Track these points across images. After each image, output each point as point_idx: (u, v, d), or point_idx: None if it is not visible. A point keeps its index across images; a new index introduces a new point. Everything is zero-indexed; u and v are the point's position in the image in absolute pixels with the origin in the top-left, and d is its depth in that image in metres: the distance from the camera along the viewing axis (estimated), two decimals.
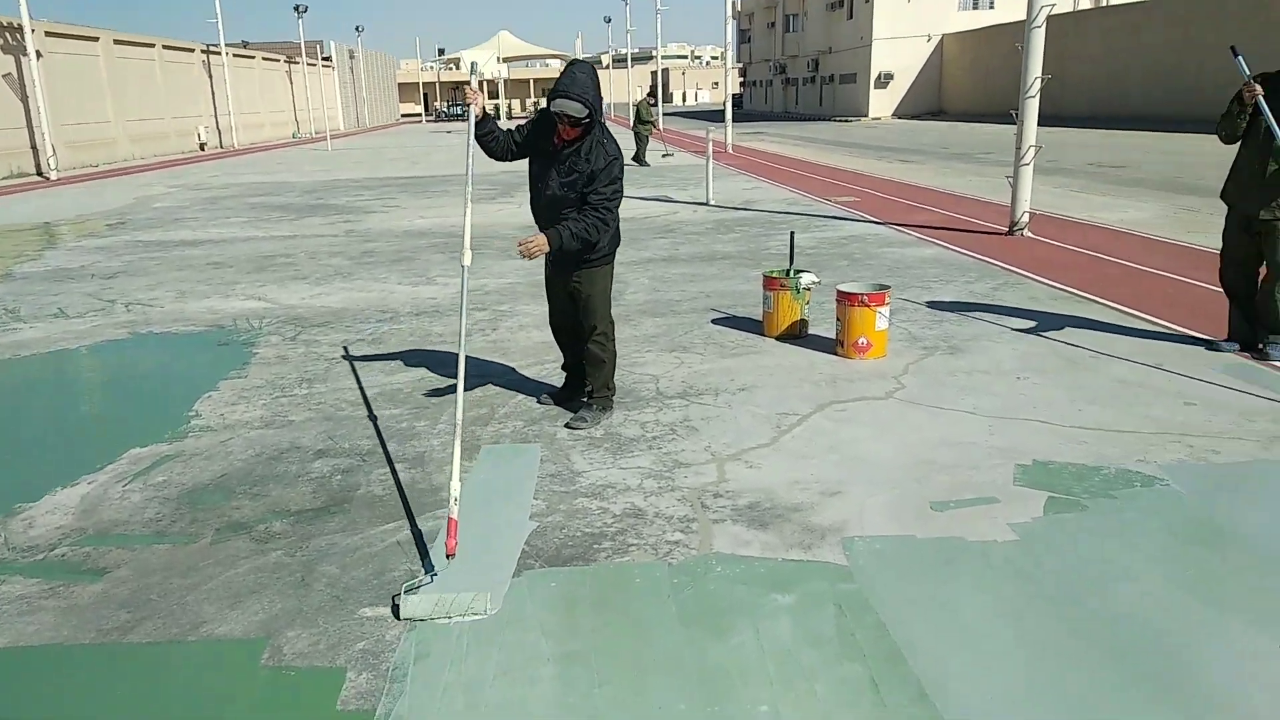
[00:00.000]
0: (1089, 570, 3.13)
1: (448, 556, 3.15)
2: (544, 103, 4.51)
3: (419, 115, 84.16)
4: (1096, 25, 37.62)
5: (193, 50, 37.86)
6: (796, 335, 6.15)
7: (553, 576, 3.20)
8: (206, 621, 3.00)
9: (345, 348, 6.30)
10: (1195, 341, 5.76)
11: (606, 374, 4.70)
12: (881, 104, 49.49)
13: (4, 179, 23.89)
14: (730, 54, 28.69)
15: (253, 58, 45.63)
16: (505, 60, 75.25)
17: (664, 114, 22.91)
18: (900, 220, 11.53)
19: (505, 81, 77.81)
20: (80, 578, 3.29)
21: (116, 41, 31.12)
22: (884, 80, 49.22)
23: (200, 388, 5.50)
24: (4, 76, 24.34)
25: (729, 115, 25.52)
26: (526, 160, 4.52)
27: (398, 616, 2.97)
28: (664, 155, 23.07)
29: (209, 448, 4.53)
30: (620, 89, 60.14)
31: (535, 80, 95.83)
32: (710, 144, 14.43)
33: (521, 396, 5.12)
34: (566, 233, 4.24)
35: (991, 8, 47.60)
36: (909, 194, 14.45)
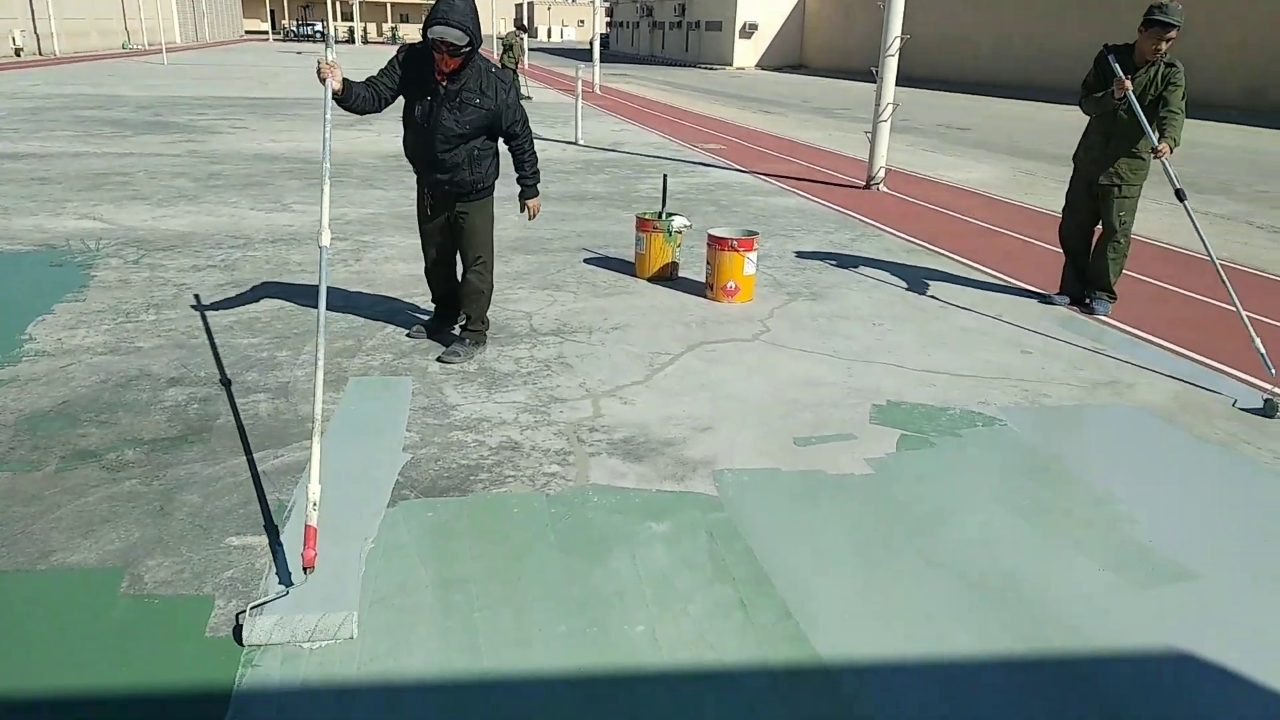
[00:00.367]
0: (936, 501, 3.38)
1: (305, 570, 2.63)
2: (402, 29, 4.31)
3: (265, 33, 78.96)
4: None
5: None
6: (667, 277, 6.25)
7: (429, 506, 3.20)
8: (56, 550, 2.84)
9: (195, 274, 5.96)
10: (1030, 295, 6.22)
11: (483, 305, 4.67)
12: (746, 54, 50.00)
13: None
14: None
15: None
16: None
17: (529, 50, 22.24)
18: (765, 170, 11.79)
19: (361, 4, 73.84)
20: None
21: None
22: (749, 30, 49.66)
23: (32, 311, 5.10)
24: None
25: (596, 55, 25.20)
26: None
27: (240, 641, 2.45)
28: (524, 96, 22.25)
29: (47, 373, 4.22)
30: (483, 19, 58.30)
31: (393, 4, 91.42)
32: (580, 83, 14.25)
33: (390, 329, 5.01)
34: (533, 177, 4.64)
35: None
36: (772, 144, 14.77)
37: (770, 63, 49.98)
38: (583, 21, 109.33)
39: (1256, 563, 3.06)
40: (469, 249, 4.57)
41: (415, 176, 4.54)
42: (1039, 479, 3.61)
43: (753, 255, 5.77)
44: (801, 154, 13.73)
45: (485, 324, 4.73)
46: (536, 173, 4.63)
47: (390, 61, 4.27)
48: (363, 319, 5.17)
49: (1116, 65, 5.31)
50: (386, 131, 12.99)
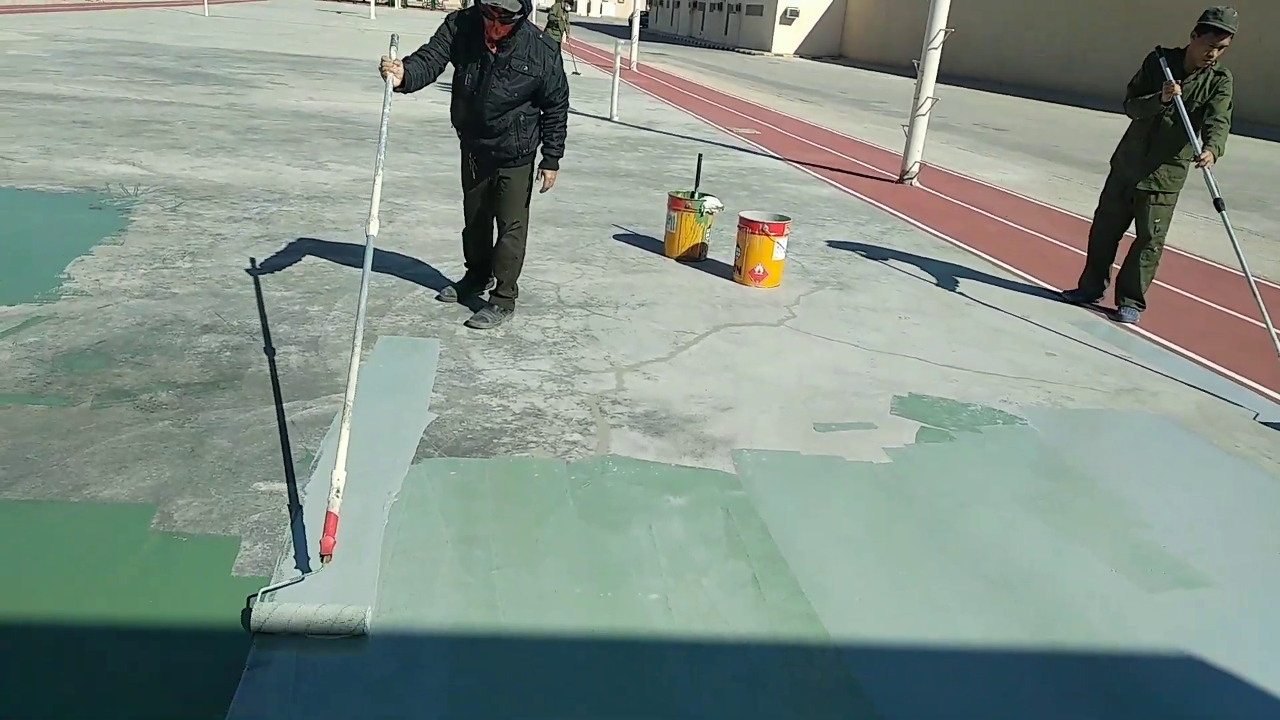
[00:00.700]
0: (953, 494, 3.40)
1: (322, 558, 2.58)
2: None
3: None
4: None
5: None
6: (696, 258, 6.26)
7: (452, 465, 3.25)
8: (90, 484, 2.91)
9: (231, 224, 6.03)
10: (1051, 295, 6.22)
11: (515, 271, 4.72)
12: (785, 40, 49.53)
13: None
14: None
15: None
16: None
17: (570, 23, 22.09)
18: (798, 158, 11.74)
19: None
20: None
21: None
22: (790, 16, 49.18)
23: (72, 251, 5.18)
24: None
25: (635, 33, 25.09)
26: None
27: (247, 628, 2.34)
28: (573, 73, 22.05)
29: (85, 312, 4.31)
30: None
31: None
32: (618, 60, 14.21)
33: (421, 290, 5.06)
34: (559, 150, 4.55)
35: None
36: (808, 133, 14.69)
37: (809, 51, 49.53)
38: None
39: (1270, 573, 3.07)
40: (506, 213, 4.61)
41: (459, 141, 4.57)
42: (1057, 479, 3.63)
43: (783, 241, 5.78)
44: (836, 144, 13.65)
45: (515, 291, 4.78)
46: (562, 146, 4.59)
47: (440, 29, 4.28)
48: (394, 279, 5.23)
49: (1167, 69, 5.26)
50: (423, 96, 12.96)
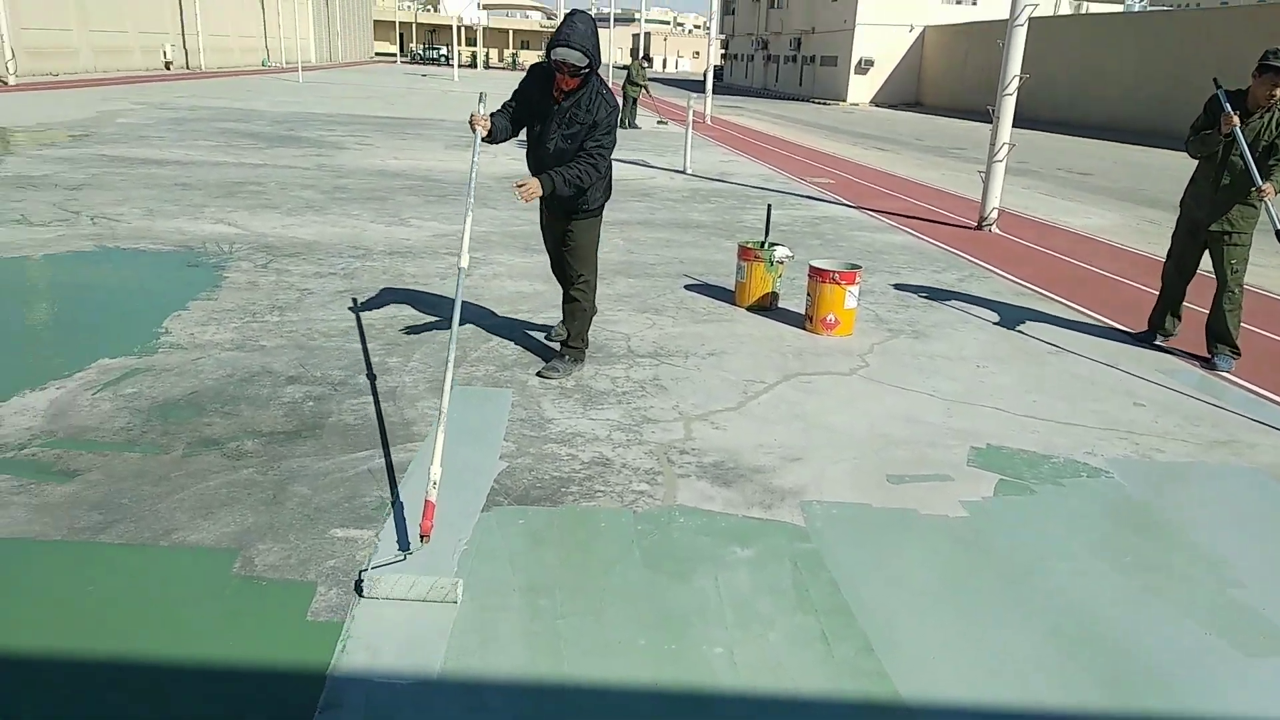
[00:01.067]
0: (1032, 549, 3.29)
1: (421, 538, 2.91)
2: (522, 55, 4.60)
3: (394, 55, 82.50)
4: (1075, 32, 38.03)
5: None
6: (766, 307, 6.27)
7: (521, 514, 3.29)
8: (178, 529, 3.04)
9: (317, 279, 6.28)
10: (1127, 338, 6.07)
11: (583, 324, 4.79)
12: (861, 90, 49.61)
13: None
14: (714, 24, 28.55)
15: None
16: (485, 7, 73.96)
17: (648, 79, 22.56)
18: (873, 206, 11.69)
19: (484, 29, 76.43)
20: (50, 478, 3.30)
21: None
22: (864, 66, 49.30)
23: (170, 306, 5.46)
24: None
25: (709, 86, 25.46)
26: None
27: (360, 593, 2.75)
28: (658, 123, 22.36)
29: (180, 364, 4.52)
30: (601, 49, 59.38)
31: (515, 31, 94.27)
32: (690, 113, 14.43)
33: (495, 341, 5.17)
34: (559, 178, 4.30)
35: (974, 4, 47.82)
36: (883, 181, 14.62)
37: (885, 99, 49.47)
38: (698, 53, 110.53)
39: None
40: (573, 264, 4.71)
41: None
42: (1144, 534, 3.48)
43: (854, 289, 5.75)
44: (912, 191, 13.55)
45: (584, 343, 4.84)
46: (566, 183, 4.31)
47: (520, 84, 4.49)
48: (470, 330, 5.36)
49: (1226, 104, 5.19)
50: (502, 154, 13.39)
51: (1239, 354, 5.59)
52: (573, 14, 4.30)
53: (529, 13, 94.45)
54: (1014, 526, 3.44)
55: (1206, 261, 5.70)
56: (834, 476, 3.77)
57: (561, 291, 5.04)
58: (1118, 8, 53.99)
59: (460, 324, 5.41)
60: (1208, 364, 5.61)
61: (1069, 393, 4.99)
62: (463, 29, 65.40)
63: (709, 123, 24.25)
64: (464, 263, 3.92)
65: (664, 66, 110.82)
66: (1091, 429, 4.48)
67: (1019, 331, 6.14)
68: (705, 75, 25.28)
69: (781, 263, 6.27)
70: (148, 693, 2.30)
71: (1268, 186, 5.10)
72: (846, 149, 20.76)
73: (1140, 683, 2.58)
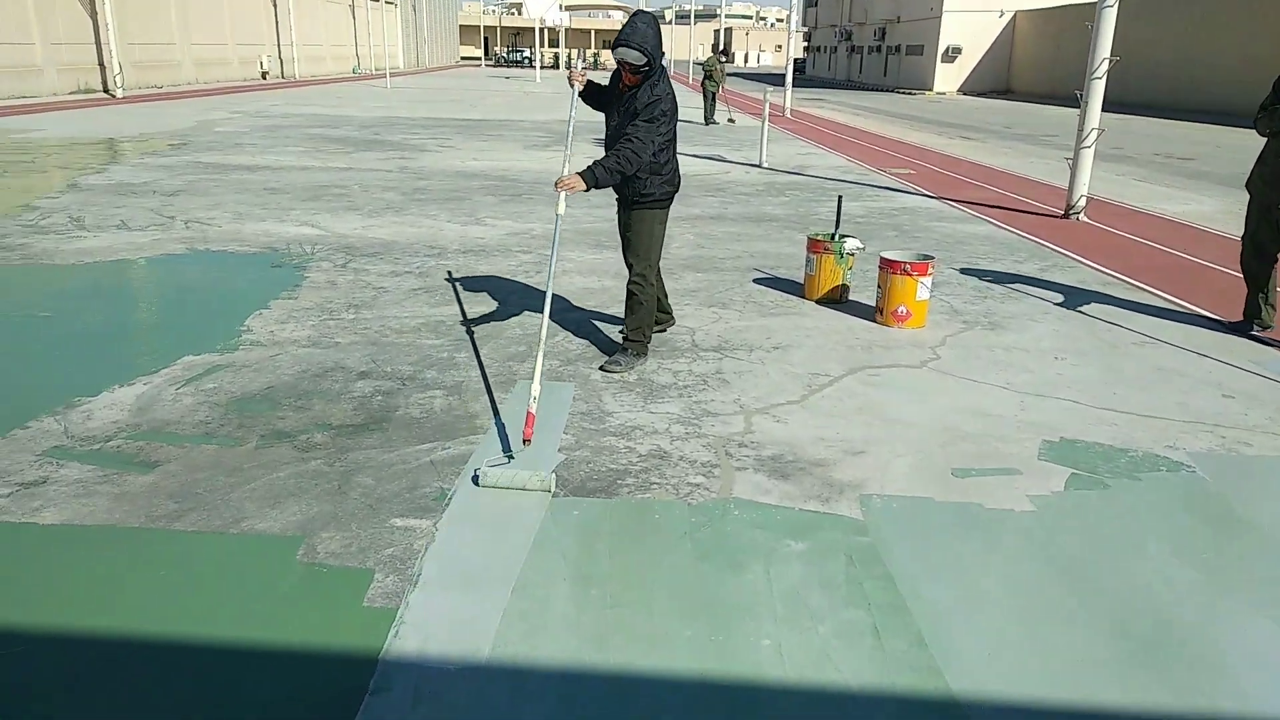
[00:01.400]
0: (1103, 546, 3.17)
1: (525, 442, 3.71)
2: (604, 55, 4.85)
3: (478, 59, 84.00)
4: (1173, 12, 36.29)
5: None
6: (837, 300, 6.17)
7: (576, 505, 3.32)
8: (248, 517, 3.16)
9: (393, 278, 6.45)
10: (1218, 325, 5.78)
11: (641, 318, 4.78)
12: (948, 78, 48.37)
13: (72, 94, 24.38)
14: (795, 17, 28.22)
15: None
16: (568, 8, 74.66)
17: (726, 74, 22.29)
18: (954, 196, 11.39)
19: (566, 30, 77.14)
20: (132, 468, 3.48)
21: None
22: (952, 54, 48.03)
23: (253, 305, 5.68)
24: None
25: (789, 79, 25.20)
26: None
27: (477, 484, 3.42)
28: (728, 120, 22.11)
29: (258, 361, 4.70)
30: (682, 46, 59.32)
31: (596, 31, 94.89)
32: (767, 106, 14.29)
33: (561, 336, 5.23)
34: (599, 169, 4.36)
35: None
36: (967, 170, 14.23)
37: (974, 88, 48.12)
38: (779, 46, 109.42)
39: None
40: (632, 254, 4.76)
41: None
42: (1226, 532, 3.31)
43: (927, 280, 5.61)
44: (997, 180, 13.15)
45: (645, 337, 4.83)
46: (607, 171, 4.35)
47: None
48: (535, 327, 5.42)
49: None
50: (579, 153, 13.50)
51: None
52: (635, 14, 4.47)
53: (610, 13, 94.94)
54: (1083, 522, 3.32)
55: None
56: (896, 470, 3.70)
57: None
58: None
59: (527, 319, 5.53)
60: None
61: (1153, 384, 4.78)
62: (545, 31, 66.15)
63: (789, 116, 23.99)
64: (561, 209, 4.45)
65: (745, 61, 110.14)
66: (1174, 421, 4.29)
67: (1103, 322, 5.91)
68: (786, 68, 24.99)
69: (852, 255, 6.16)
70: (208, 673, 2.41)
71: None
72: (930, 139, 20.27)
73: (1212, 687, 2.46)
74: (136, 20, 27.59)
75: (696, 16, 58.02)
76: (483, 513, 3.25)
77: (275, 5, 38.95)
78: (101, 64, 25.64)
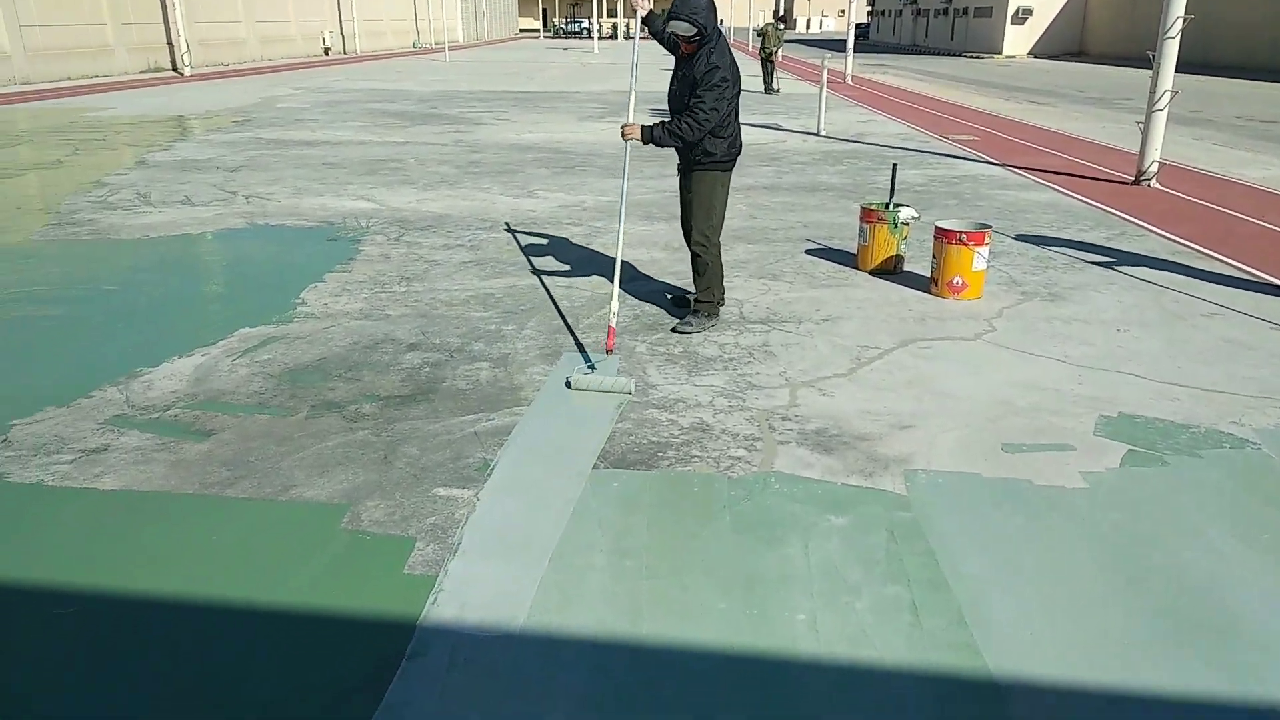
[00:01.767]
0: (1156, 524, 3.07)
1: (607, 352, 4.41)
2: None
3: (537, 30, 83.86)
4: None
5: None
6: (891, 271, 6.05)
7: (616, 477, 3.33)
8: (297, 485, 3.24)
9: (445, 251, 6.51)
10: None
11: (710, 279, 4.86)
12: (1018, 41, 46.81)
13: (142, 73, 25.03)
14: None
15: None
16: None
17: (783, 40, 21.86)
18: (1019, 163, 11.06)
19: (625, 1, 76.49)
20: (189, 437, 3.59)
21: None
22: (1022, 16, 46.44)
23: (308, 278, 5.79)
24: None
25: (850, 45, 24.67)
26: None
27: (569, 387, 4.06)
28: (774, 89, 21.49)
29: (311, 333, 4.80)
30: (741, 13, 58.42)
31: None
32: (825, 73, 14.01)
33: (605, 310, 5.21)
34: (659, 129, 4.54)
35: None
36: (1033, 136, 13.80)
37: (1045, 50, 46.52)
38: (842, 11, 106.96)
39: None
40: (694, 218, 4.82)
41: None
42: None
43: (983, 250, 5.46)
44: (1065, 146, 12.72)
45: (713, 297, 4.91)
46: (666, 132, 4.51)
47: None
48: (585, 296, 5.44)
49: None
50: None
51: None
52: None
53: None
54: (1136, 500, 3.22)
55: None
56: (944, 445, 3.63)
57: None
58: None
59: (575, 289, 5.55)
60: None
61: (1221, 358, 4.60)
62: (604, 0, 65.72)
63: (849, 83, 23.51)
64: (630, 117, 4.77)
65: (807, 27, 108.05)
66: (1241, 397, 4.12)
67: (1171, 292, 5.70)
68: (847, 33, 24.46)
69: (907, 224, 6.03)
70: (252, 637, 2.48)
71: None
72: (997, 104, 19.69)
73: (1267, 671, 2.38)
74: (203, 0, 28.14)
75: None
76: (524, 483, 3.28)
77: None
78: (170, 43, 26.25)
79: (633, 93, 4.90)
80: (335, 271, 5.97)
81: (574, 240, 6.86)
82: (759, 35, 21.05)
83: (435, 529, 2.99)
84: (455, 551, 2.86)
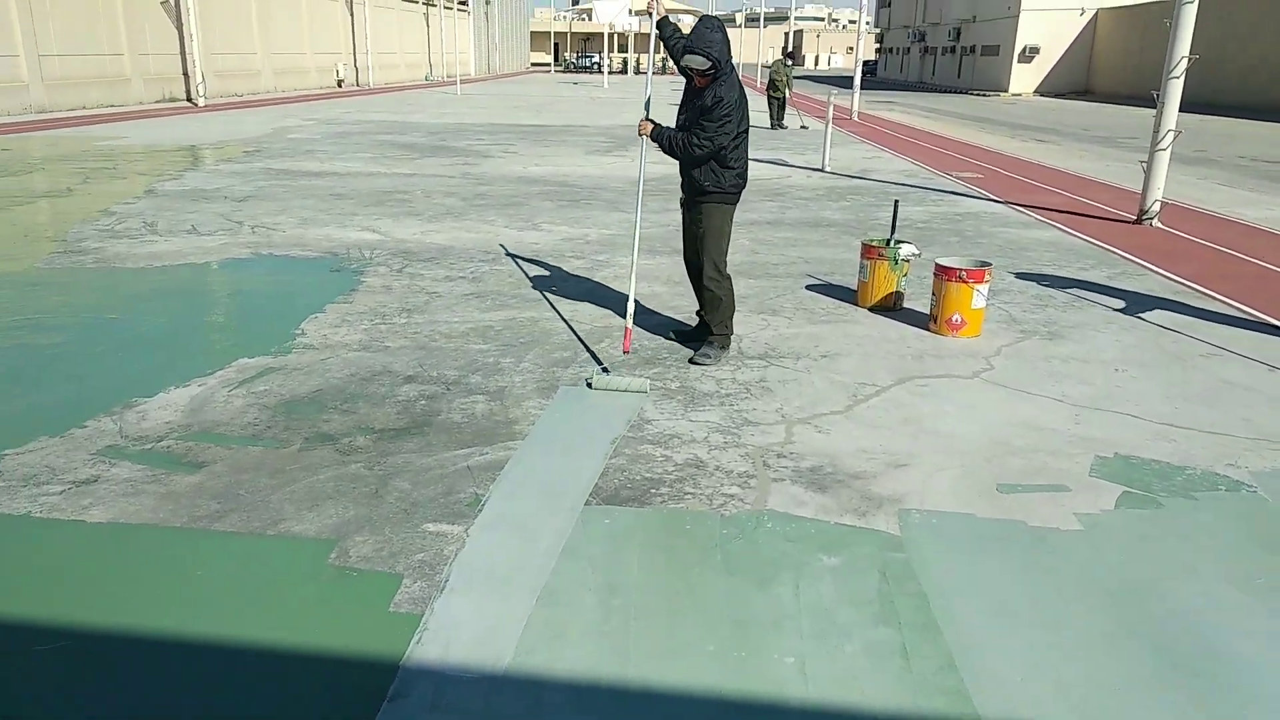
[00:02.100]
0: (1151, 567, 3.04)
1: (624, 353, 4.80)
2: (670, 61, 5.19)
3: (548, 64, 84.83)
4: (1262, 10, 34.76)
5: None
6: (891, 307, 6.06)
7: (608, 514, 3.31)
8: (286, 519, 3.23)
9: (447, 283, 6.54)
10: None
11: (724, 314, 4.94)
12: (1024, 79, 47.20)
13: (157, 103, 25.35)
14: (863, 18, 27.85)
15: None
16: (637, 13, 74.89)
17: (793, 77, 21.88)
18: (1022, 200, 11.10)
19: (635, 36, 77.41)
20: (180, 469, 3.58)
21: None
22: (1029, 54, 46.86)
23: (309, 309, 5.82)
24: (162, 4, 25.69)
25: (857, 81, 24.88)
26: None
27: (590, 388, 4.42)
28: (800, 127, 21.65)
29: (309, 364, 4.81)
30: (751, 49, 59.03)
31: None
32: (830, 109, 14.12)
33: (606, 343, 5.23)
34: (668, 134, 4.75)
35: None
36: (1037, 174, 13.86)
37: (1052, 88, 46.87)
38: (851, 49, 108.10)
39: None
40: (702, 252, 4.90)
41: None
42: None
43: (983, 288, 5.47)
44: (1068, 185, 12.77)
45: (727, 329, 4.99)
46: (671, 142, 4.70)
47: None
48: (586, 329, 5.45)
49: None
50: (638, 159, 13.53)
51: None
52: (701, 20, 4.66)
53: (682, 17, 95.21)
54: (1131, 542, 3.19)
55: None
56: (939, 484, 3.60)
57: (692, 290, 5.24)
58: None
59: (575, 322, 5.56)
60: None
61: (1218, 399, 4.58)
62: (614, 36, 66.52)
63: (855, 119, 23.68)
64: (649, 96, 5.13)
65: (815, 64, 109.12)
66: (1238, 439, 4.09)
67: (1170, 332, 5.68)
68: (854, 70, 24.68)
69: (907, 261, 6.04)
70: (230, 674, 2.46)
71: None
72: (1002, 141, 19.80)
73: (1255, 714, 2.34)
74: (220, 31, 28.58)
75: (767, 19, 57.64)
76: (514, 519, 3.27)
77: (352, 15, 39.95)
78: (185, 73, 26.61)
79: (649, 89, 5.16)
80: (337, 303, 5.99)
81: (576, 273, 6.89)
82: (770, 73, 21.23)
83: (423, 565, 2.97)
84: (442, 589, 2.84)
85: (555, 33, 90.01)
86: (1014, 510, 3.41)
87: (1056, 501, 3.48)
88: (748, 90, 4.86)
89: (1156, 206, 9.51)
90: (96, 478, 3.49)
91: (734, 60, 4.68)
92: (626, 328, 4.69)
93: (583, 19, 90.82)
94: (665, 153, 4.80)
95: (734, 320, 5.05)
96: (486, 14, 64.25)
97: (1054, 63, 47.15)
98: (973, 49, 53.11)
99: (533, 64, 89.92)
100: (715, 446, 3.90)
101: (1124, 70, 43.25)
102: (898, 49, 72.21)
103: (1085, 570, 3.01)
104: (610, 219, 9.18)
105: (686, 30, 4.83)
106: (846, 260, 7.42)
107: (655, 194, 9.59)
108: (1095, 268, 7.50)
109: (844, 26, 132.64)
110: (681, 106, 4.85)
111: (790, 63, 21.87)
